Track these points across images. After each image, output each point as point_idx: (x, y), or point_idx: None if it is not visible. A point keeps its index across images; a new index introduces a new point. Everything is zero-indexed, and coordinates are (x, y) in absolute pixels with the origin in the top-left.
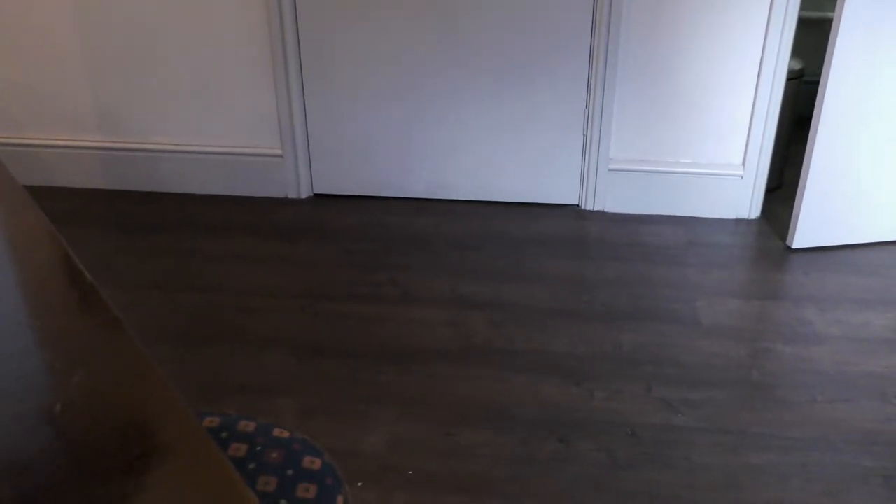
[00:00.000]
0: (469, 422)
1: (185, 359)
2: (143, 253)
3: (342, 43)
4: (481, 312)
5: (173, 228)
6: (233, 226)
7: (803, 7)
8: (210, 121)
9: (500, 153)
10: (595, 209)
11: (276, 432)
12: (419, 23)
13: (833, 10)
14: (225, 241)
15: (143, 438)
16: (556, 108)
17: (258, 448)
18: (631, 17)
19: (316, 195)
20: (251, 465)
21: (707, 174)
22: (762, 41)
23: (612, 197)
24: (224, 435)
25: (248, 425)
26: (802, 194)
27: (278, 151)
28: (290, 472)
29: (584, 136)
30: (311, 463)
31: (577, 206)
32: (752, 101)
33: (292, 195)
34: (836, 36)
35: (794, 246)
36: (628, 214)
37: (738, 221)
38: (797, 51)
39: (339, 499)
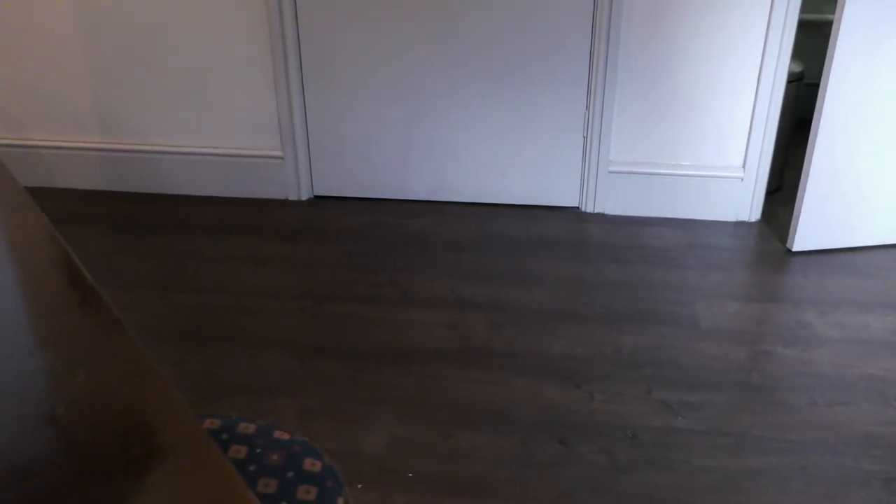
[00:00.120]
0: (469, 423)
1: (185, 359)
2: (142, 254)
3: (342, 44)
4: (481, 314)
5: (173, 229)
6: (233, 227)
7: (803, 9)
8: (210, 122)
9: (501, 155)
10: (595, 211)
11: (277, 434)
12: (420, 24)
13: (833, 12)
14: (225, 242)
15: (144, 439)
16: (556, 110)
17: (258, 450)
18: (631, 20)
19: (316, 197)
20: (252, 467)
21: (707, 177)
22: (762, 43)
23: (613, 199)
24: (224, 437)
25: (248, 427)
26: (802, 197)
27: (279, 153)
28: (290, 474)
29: (585, 138)
30: (312, 465)
31: (577, 208)
32: (752, 103)
33: (293, 197)
34: (836, 38)
35: (794, 248)
36: (628, 217)
37: (738, 224)
38: (797, 53)
39: (340, 501)
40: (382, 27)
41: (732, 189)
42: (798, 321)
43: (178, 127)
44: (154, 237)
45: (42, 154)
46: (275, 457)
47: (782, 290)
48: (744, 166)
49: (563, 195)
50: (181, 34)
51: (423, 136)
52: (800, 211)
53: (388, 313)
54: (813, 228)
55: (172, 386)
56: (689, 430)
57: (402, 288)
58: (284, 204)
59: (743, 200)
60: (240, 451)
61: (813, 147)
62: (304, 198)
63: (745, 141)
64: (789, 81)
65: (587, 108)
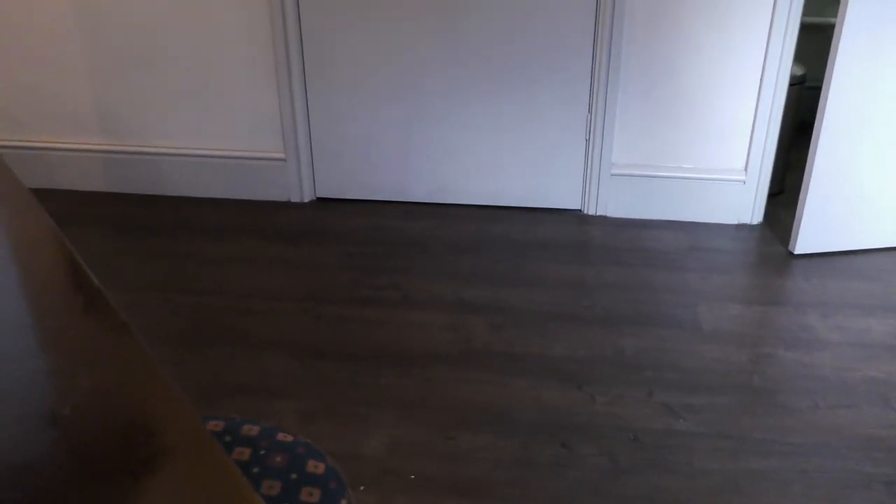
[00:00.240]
0: (469, 425)
1: (186, 361)
2: (143, 255)
3: (344, 45)
4: (482, 316)
5: (174, 231)
6: (234, 229)
7: (806, 12)
8: (212, 123)
9: (502, 157)
10: (597, 214)
11: (280, 436)
12: (421, 25)
13: (835, 15)
14: (226, 243)
15: (149, 441)
16: (558, 113)
17: (262, 452)
18: (634, 22)
19: (318, 199)
20: (255, 469)
21: (709, 179)
22: (764, 46)
23: (614, 201)
24: (228, 439)
25: (251, 429)
26: (804, 200)
27: (281, 155)
28: (293, 476)
29: (587, 140)
30: (315, 467)
31: (579, 210)
32: (754, 106)
33: (295, 199)
34: (838, 41)
35: (796, 251)
36: (630, 219)
37: (740, 227)
38: (799, 56)
39: (343, 503)
40: (384, 28)
41: (734, 192)
42: (800, 324)
43: (180, 128)
44: (155, 238)
45: (43, 155)
46: (278, 459)
47: (784, 293)
48: (746, 169)
49: (564, 197)
50: (183, 35)
51: (424, 138)
52: (802, 214)
53: (388, 315)
54: (815, 231)
55: (178, 388)
56: (691, 432)
57: (403, 290)
58: (286, 206)
59: (745, 203)
60: (243, 452)
61: (815, 150)
62: (305, 200)
63: (748, 144)
64: (791, 84)
65: (589, 110)
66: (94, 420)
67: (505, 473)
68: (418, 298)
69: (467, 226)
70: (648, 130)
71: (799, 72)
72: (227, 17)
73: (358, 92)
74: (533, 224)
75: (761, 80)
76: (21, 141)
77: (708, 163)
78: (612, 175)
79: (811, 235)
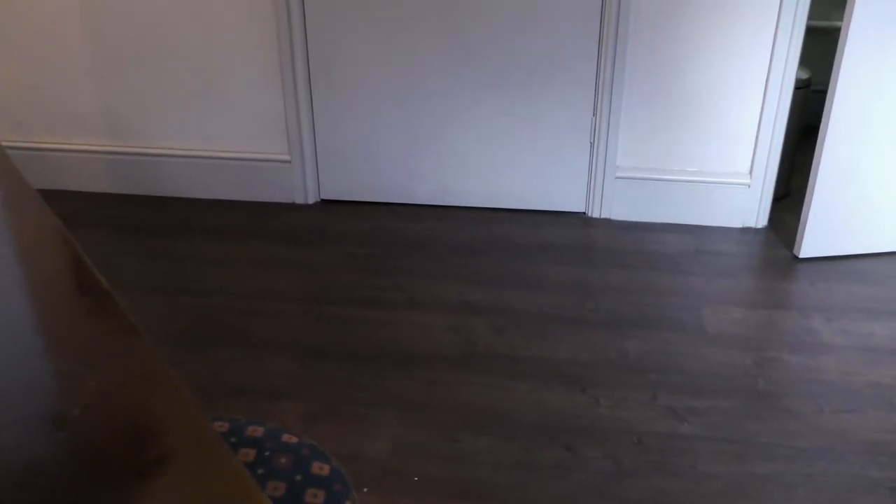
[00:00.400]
0: (473, 427)
1: (188, 361)
2: (147, 256)
3: (349, 48)
4: (485, 318)
5: (178, 232)
6: (238, 230)
7: (811, 16)
8: (216, 125)
9: (507, 159)
10: (601, 216)
11: (285, 437)
12: (426, 27)
13: (841, 19)
14: (230, 245)
15: (157, 443)
16: (563, 116)
17: (267, 453)
18: (639, 25)
19: (322, 200)
20: (260, 471)
21: (714, 182)
22: (770, 50)
23: (619, 204)
24: (233, 440)
25: (256, 430)
26: (809, 204)
27: (286, 157)
28: (298, 477)
29: (591, 142)
30: (320, 469)
31: (584, 213)
32: (759, 109)
33: (299, 201)
34: (843, 45)
35: (801, 255)
36: (635, 222)
37: (745, 230)
38: (805, 60)
39: None
40: (389, 32)
41: (739, 195)
42: (804, 328)
43: (184, 129)
44: (159, 240)
45: (48, 156)
46: (283, 460)
47: (789, 297)
48: (751, 172)
49: (569, 200)
50: (188, 37)
51: (428, 140)
52: (807, 217)
53: (391, 316)
54: (820, 235)
55: (186, 389)
56: (695, 435)
57: (407, 292)
58: (290, 207)
59: (750, 207)
60: (248, 454)
61: (820, 154)
62: (310, 201)
63: (752, 147)
64: (797, 88)
65: (594, 113)
66: (102, 421)
67: (507, 476)
68: (421, 300)
69: (471, 228)
70: (653, 133)
71: (804, 75)
72: (232, 19)
73: (362, 94)
74: (537, 226)
75: (766, 83)
76: (25, 142)
77: (713, 166)
78: (616, 178)
79: (816, 239)
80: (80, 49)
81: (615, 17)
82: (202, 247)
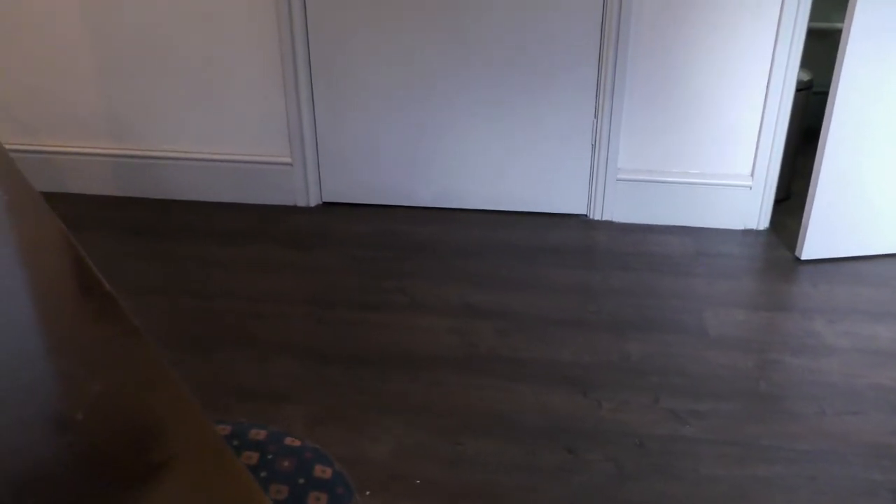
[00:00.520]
0: (475, 430)
1: (192, 364)
2: (150, 258)
3: (352, 51)
4: (488, 321)
5: (181, 235)
6: (241, 233)
7: (812, 18)
8: (220, 128)
9: (509, 162)
10: (603, 219)
11: (288, 441)
12: (428, 29)
13: (842, 21)
14: (233, 247)
15: (160, 445)
16: (564, 118)
17: (270, 456)
18: (640, 27)
19: (325, 203)
20: (263, 474)
21: (715, 185)
22: (771, 52)
23: (620, 207)
24: (236, 443)
25: (259, 433)
26: (811, 205)
27: (288, 159)
28: (301, 480)
29: (593, 145)
30: (323, 472)
31: (585, 215)
32: (760, 111)
33: (301, 203)
34: (845, 47)
35: (803, 257)
36: (636, 224)
37: (747, 232)
38: (806, 62)
39: None
40: (391, 34)
41: (741, 197)
42: (806, 330)
43: (188, 133)
44: (163, 242)
45: (52, 159)
46: (286, 463)
47: (790, 299)
48: (752, 174)
49: (570, 202)
50: (191, 40)
51: (431, 143)
52: (808, 219)
53: (395, 319)
54: (821, 237)
55: (188, 392)
56: (697, 438)
57: (409, 294)
58: (293, 210)
59: (751, 208)
60: (251, 457)
61: (821, 156)
62: (312, 204)
63: (754, 149)
64: (798, 90)
65: (595, 115)
66: (104, 424)
67: (509, 478)
68: (424, 303)
69: (473, 230)
70: (654, 135)
71: (806, 77)
72: (235, 22)
73: (365, 97)
74: (539, 229)
75: (768, 85)
76: (30, 145)
77: (714, 168)
78: (618, 180)
79: (818, 241)
80: (83, 52)
81: (616, 19)
82: (204, 249)
